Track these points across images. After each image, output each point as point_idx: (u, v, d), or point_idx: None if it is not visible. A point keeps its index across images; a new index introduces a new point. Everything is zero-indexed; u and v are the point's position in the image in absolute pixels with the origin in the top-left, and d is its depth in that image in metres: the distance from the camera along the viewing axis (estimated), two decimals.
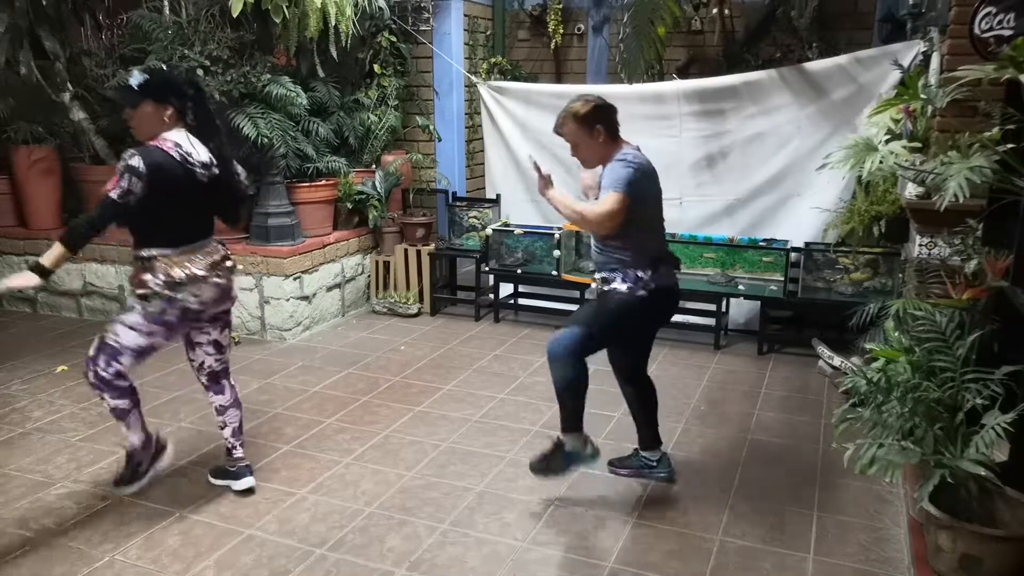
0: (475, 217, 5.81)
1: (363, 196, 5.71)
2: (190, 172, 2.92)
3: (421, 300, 5.87)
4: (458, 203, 5.97)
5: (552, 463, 3.13)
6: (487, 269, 5.72)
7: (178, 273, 2.92)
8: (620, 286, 2.99)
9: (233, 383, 3.36)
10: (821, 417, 4.02)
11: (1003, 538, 2.33)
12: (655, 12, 5.29)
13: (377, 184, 5.76)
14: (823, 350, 4.62)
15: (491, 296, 5.85)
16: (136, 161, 2.79)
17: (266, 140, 4.95)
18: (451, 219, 5.95)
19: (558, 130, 3.03)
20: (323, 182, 5.55)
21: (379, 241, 5.99)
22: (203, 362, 3.25)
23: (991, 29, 2.98)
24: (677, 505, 3.19)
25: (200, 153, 2.97)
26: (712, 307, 5.13)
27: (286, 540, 2.93)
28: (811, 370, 4.67)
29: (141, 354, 3.00)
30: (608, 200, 2.86)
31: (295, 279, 5.26)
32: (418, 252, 5.82)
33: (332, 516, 3.09)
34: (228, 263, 3.13)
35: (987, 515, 2.44)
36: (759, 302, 5.02)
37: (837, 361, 4.45)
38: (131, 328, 2.95)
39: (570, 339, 2.96)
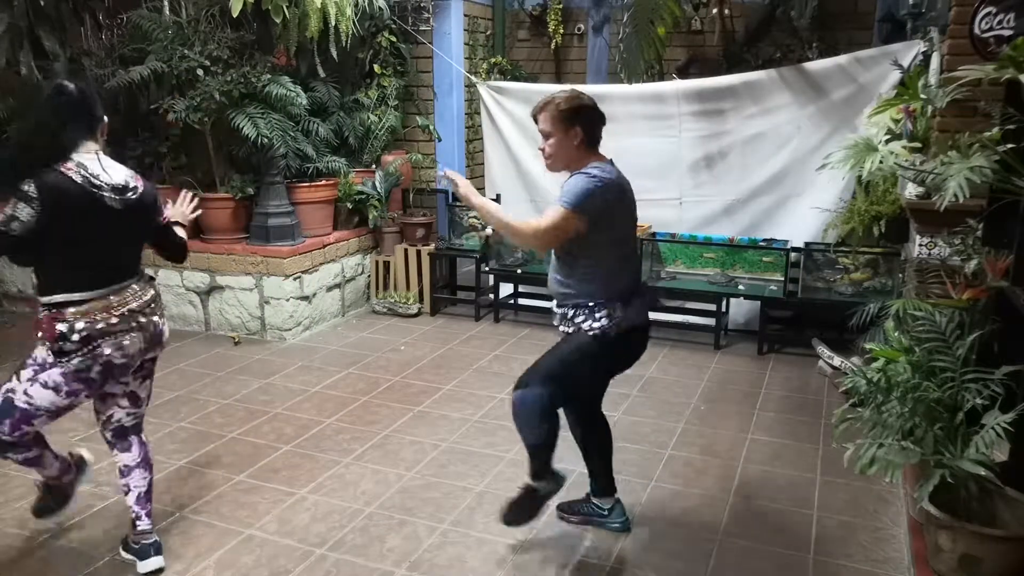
0: (475, 217, 5.81)
1: (363, 196, 5.72)
2: (94, 197, 2.43)
3: (421, 300, 5.87)
4: (458, 203, 5.97)
5: (526, 508, 2.79)
6: (487, 269, 5.73)
7: (98, 324, 2.48)
8: (586, 324, 2.63)
9: (145, 440, 2.82)
10: (821, 417, 4.02)
11: (1003, 538, 2.33)
12: (655, 12, 5.29)
13: (377, 184, 5.76)
14: (823, 350, 4.62)
15: (491, 296, 5.85)
16: (27, 185, 2.35)
17: (266, 140, 4.95)
18: (451, 219, 5.95)
19: (535, 114, 2.68)
20: (323, 182, 5.56)
21: (379, 241, 5.99)
22: (111, 415, 2.74)
23: (991, 29, 2.98)
24: (677, 505, 3.19)
25: (113, 175, 2.50)
26: (712, 307, 5.13)
27: (286, 540, 2.93)
28: (811, 370, 4.67)
29: (57, 415, 2.57)
30: (550, 214, 2.54)
31: (295, 279, 5.26)
32: (418, 252, 5.82)
33: (332, 516, 3.09)
34: (154, 304, 2.68)
35: (987, 515, 2.44)
36: (759, 302, 5.02)
37: (837, 361, 4.45)
38: (50, 388, 2.49)
39: (535, 402, 2.59)
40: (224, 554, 2.84)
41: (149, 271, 2.85)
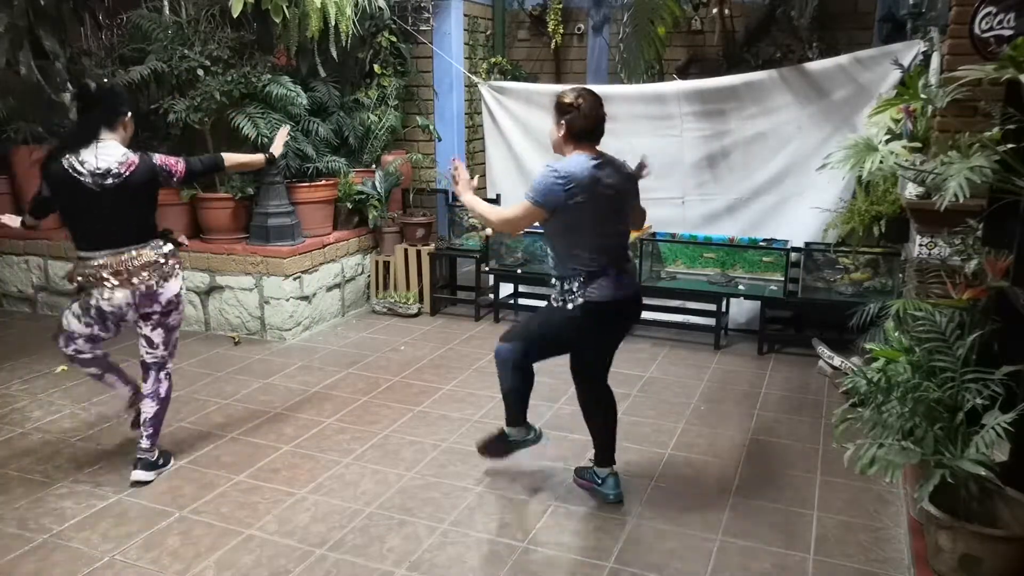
0: (475, 217, 5.81)
1: (363, 196, 5.72)
2: (75, 181, 3.06)
3: (421, 300, 5.87)
4: (458, 203, 5.95)
5: (494, 446, 3.35)
6: (487, 269, 5.72)
7: (87, 276, 3.18)
8: (556, 296, 3.01)
9: (162, 378, 3.40)
10: (821, 417, 4.02)
11: (1003, 538, 2.33)
12: (655, 12, 5.30)
13: (377, 184, 5.76)
14: (823, 350, 4.62)
15: (491, 296, 5.85)
16: (45, 169, 3.15)
17: (266, 140, 4.94)
18: (451, 219, 5.95)
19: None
20: (323, 182, 5.55)
21: (379, 241, 5.99)
22: (139, 351, 3.42)
23: (991, 29, 2.98)
24: (677, 505, 3.19)
25: (97, 162, 3.07)
26: (712, 307, 5.13)
27: (286, 540, 2.93)
28: (811, 370, 4.67)
29: (90, 339, 3.31)
30: (516, 205, 2.98)
31: (295, 279, 5.26)
32: (418, 252, 5.82)
33: (332, 516, 3.09)
34: (151, 271, 3.21)
35: (987, 515, 2.44)
36: (759, 302, 5.02)
37: (837, 361, 4.45)
38: (75, 317, 3.28)
39: (508, 354, 3.11)
40: (224, 554, 2.84)
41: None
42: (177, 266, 3.33)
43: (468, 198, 3.13)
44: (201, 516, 3.10)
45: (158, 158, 3.27)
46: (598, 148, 2.97)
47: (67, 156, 3.07)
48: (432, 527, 3.02)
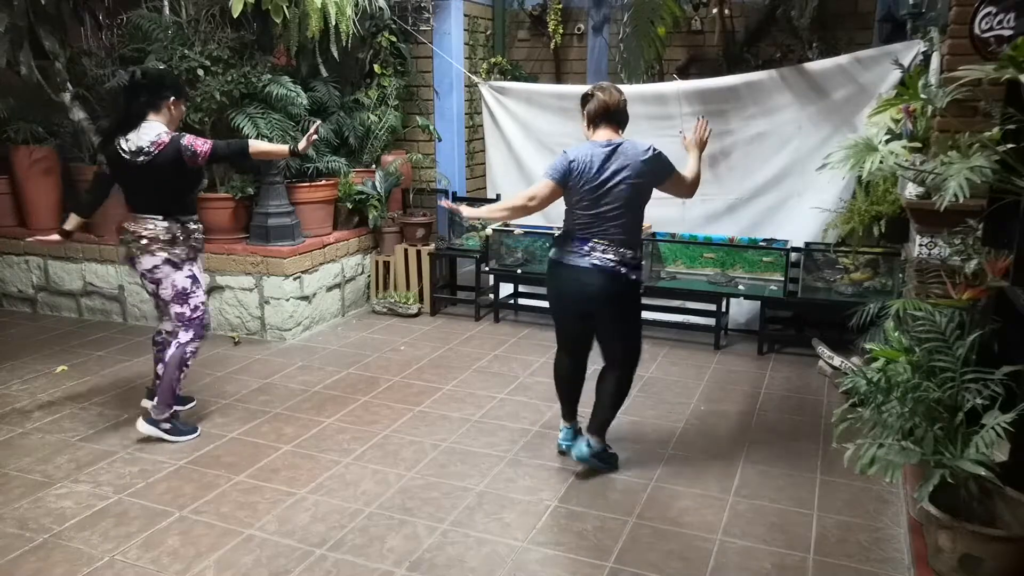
0: (498, 218, 5.79)
1: (363, 196, 5.71)
2: (120, 158, 3.53)
3: (421, 300, 5.87)
4: (458, 203, 5.96)
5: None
6: (487, 269, 5.72)
7: (119, 235, 3.71)
8: None
9: (173, 346, 3.71)
10: (821, 417, 4.02)
11: (1003, 538, 2.33)
12: (655, 12, 5.30)
13: (377, 184, 5.76)
14: (823, 350, 4.62)
15: (491, 296, 5.85)
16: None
17: (266, 140, 4.94)
18: (451, 219, 5.95)
19: None
20: (323, 182, 5.55)
21: (379, 241, 5.99)
22: None
23: (991, 29, 2.98)
24: (677, 504, 3.19)
25: (137, 141, 3.50)
26: (712, 307, 5.13)
27: (286, 540, 2.93)
28: (811, 370, 4.67)
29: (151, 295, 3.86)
30: (536, 183, 3.31)
31: (295, 279, 5.26)
32: (418, 252, 5.82)
33: (332, 516, 3.09)
34: (139, 240, 3.62)
35: (987, 515, 2.44)
36: (759, 302, 5.02)
37: (837, 361, 4.45)
38: None
39: None
40: (224, 554, 2.84)
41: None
42: (157, 248, 3.59)
43: (479, 211, 3.52)
44: (201, 516, 3.10)
45: (187, 139, 3.55)
46: (618, 135, 3.29)
47: (118, 138, 3.52)
48: (432, 527, 3.02)
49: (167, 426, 3.71)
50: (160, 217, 3.59)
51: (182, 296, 3.68)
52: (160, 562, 2.80)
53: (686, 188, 3.41)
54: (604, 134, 3.25)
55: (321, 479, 3.39)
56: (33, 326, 5.59)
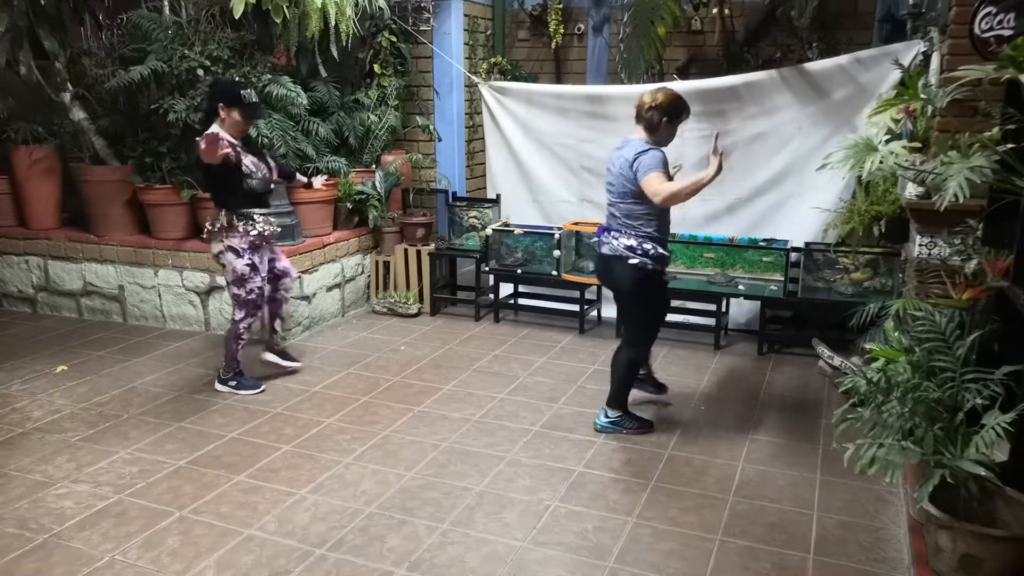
0: (475, 217, 5.81)
1: (363, 196, 5.72)
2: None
3: (421, 300, 5.87)
4: (458, 203, 5.97)
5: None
6: (487, 269, 5.72)
7: None
8: None
9: (236, 320, 4.31)
10: (821, 417, 4.02)
11: (1003, 538, 2.33)
12: (655, 12, 5.29)
13: (377, 184, 5.76)
14: (823, 350, 4.62)
15: (491, 296, 5.85)
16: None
17: (266, 140, 4.95)
18: (451, 219, 5.95)
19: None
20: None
21: (379, 241, 5.99)
22: None
23: (991, 29, 2.98)
24: (677, 505, 3.19)
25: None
26: (712, 307, 5.13)
27: (286, 540, 2.93)
28: (811, 370, 4.67)
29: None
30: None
31: (295, 279, 5.24)
32: (418, 252, 5.82)
33: (332, 516, 3.09)
34: (206, 229, 4.21)
35: (987, 515, 2.44)
36: (759, 302, 5.02)
37: (837, 361, 4.45)
38: None
39: None
40: (224, 554, 2.85)
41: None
42: (225, 235, 4.10)
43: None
44: (201, 516, 3.10)
45: (200, 139, 3.91)
46: (637, 135, 3.64)
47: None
48: (432, 527, 3.02)
49: (233, 383, 4.33)
50: (222, 211, 4.10)
51: (240, 280, 4.17)
52: (160, 562, 2.80)
53: (656, 199, 3.47)
54: (634, 134, 3.66)
55: (321, 479, 3.39)
56: (33, 326, 5.59)
